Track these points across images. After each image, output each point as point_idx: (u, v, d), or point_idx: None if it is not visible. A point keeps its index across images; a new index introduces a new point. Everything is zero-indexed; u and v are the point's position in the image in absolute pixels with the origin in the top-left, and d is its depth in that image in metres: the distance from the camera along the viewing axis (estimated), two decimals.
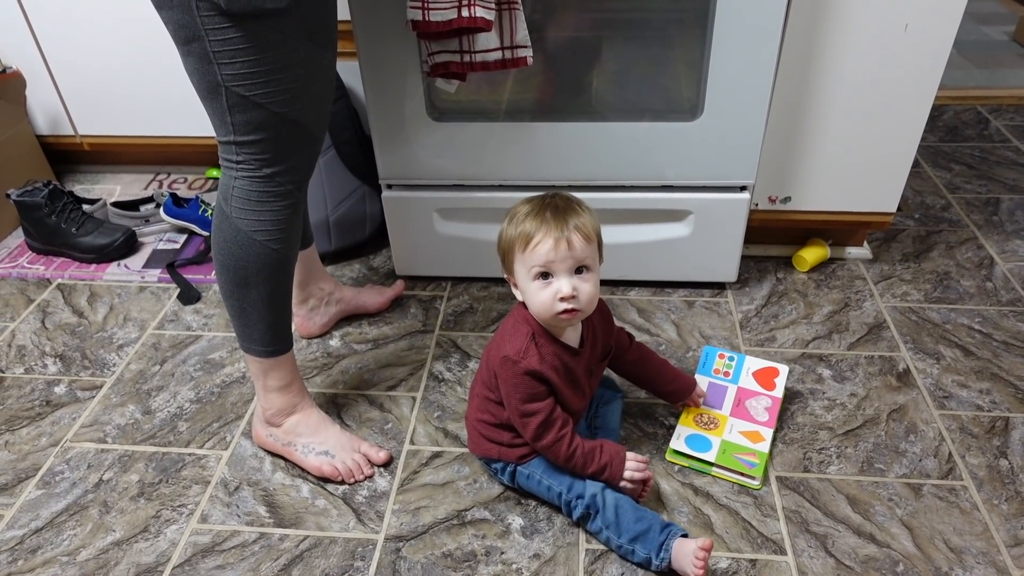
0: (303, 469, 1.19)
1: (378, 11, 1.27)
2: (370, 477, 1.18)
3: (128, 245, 1.71)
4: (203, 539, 1.10)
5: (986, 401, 1.29)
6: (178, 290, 1.61)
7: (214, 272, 1.28)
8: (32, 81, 1.85)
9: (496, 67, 1.18)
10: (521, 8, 1.15)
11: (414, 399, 1.33)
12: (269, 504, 1.15)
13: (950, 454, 1.20)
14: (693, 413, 1.24)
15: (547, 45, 1.37)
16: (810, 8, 1.30)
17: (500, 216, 1.08)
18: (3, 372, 1.42)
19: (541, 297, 0.99)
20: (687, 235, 1.48)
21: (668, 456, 1.20)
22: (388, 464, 1.21)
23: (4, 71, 1.81)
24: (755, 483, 1.15)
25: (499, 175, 1.45)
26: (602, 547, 1.07)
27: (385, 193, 1.51)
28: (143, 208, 1.81)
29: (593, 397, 1.21)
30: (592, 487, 1.06)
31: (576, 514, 1.07)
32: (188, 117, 1.81)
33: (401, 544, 1.09)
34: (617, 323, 1.19)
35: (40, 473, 1.21)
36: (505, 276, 1.06)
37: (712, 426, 1.22)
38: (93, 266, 1.69)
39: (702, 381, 1.27)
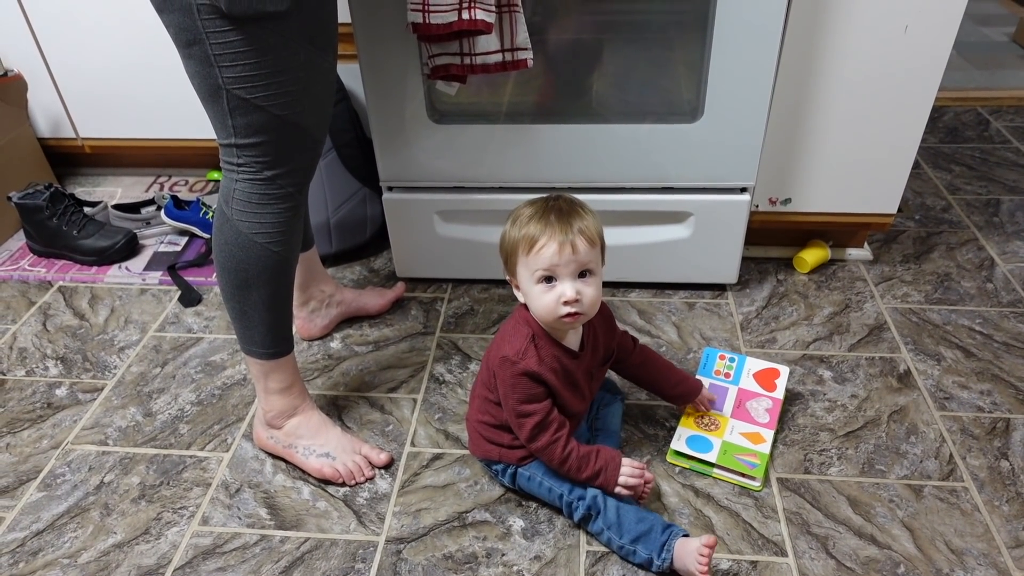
0: (304, 471, 1.20)
1: (379, 14, 1.27)
2: (371, 479, 1.19)
3: (129, 247, 1.72)
4: (204, 541, 1.10)
5: (987, 402, 1.29)
6: (179, 292, 1.61)
7: (215, 274, 1.28)
8: (33, 84, 1.86)
9: (496, 69, 1.18)
10: (521, 10, 1.16)
11: (415, 401, 1.33)
12: (270, 506, 1.15)
13: (951, 455, 1.20)
14: (694, 414, 1.24)
15: (547, 47, 1.37)
16: (810, 10, 1.30)
17: (501, 218, 1.08)
18: (4, 375, 1.42)
19: (544, 301, 0.99)
20: (688, 237, 1.49)
21: (669, 458, 1.20)
22: (389, 466, 1.21)
23: (5, 74, 1.81)
24: (756, 484, 1.15)
25: (499, 177, 1.45)
26: (603, 549, 1.07)
27: (386, 195, 1.51)
28: (144, 210, 1.82)
29: (594, 399, 1.21)
30: (593, 488, 1.06)
31: (577, 515, 1.07)
32: (189, 119, 1.82)
33: (402, 546, 1.09)
34: (620, 326, 1.19)
35: (41, 475, 1.21)
36: (507, 278, 1.06)
37: (713, 427, 1.22)
38: (94, 268, 1.69)
39: (703, 383, 1.27)
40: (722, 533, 1.09)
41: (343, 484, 1.18)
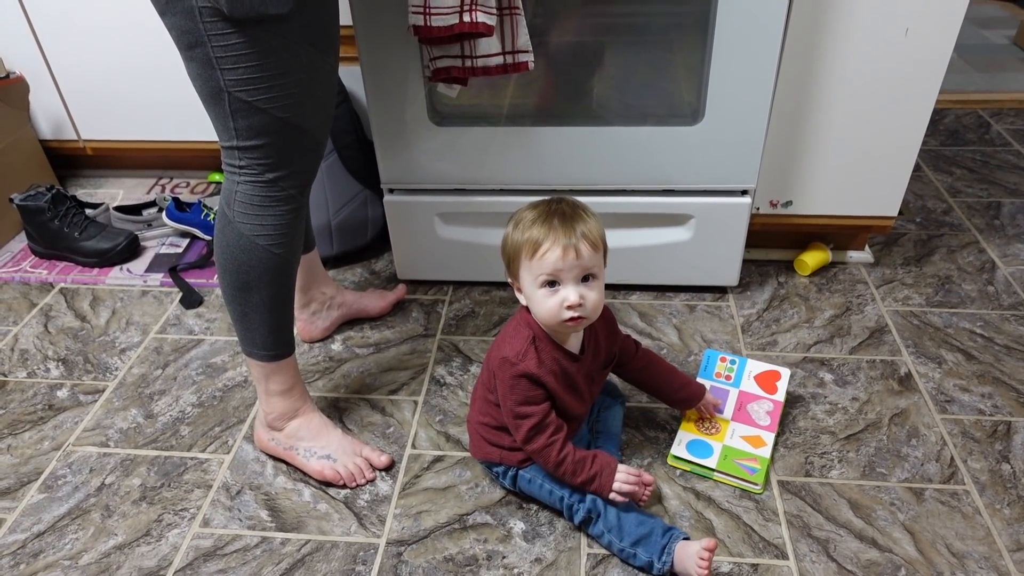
0: (305, 473, 1.20)
1: (380, 16, 1.27)
2: (372, 481, 1.19)
3: (130, 249, 1.72)
4: (205, 543, 1.10)
5: (988, 405, 1.29)
6: (180, 294, 1.61)
7: (216, 276, 1.28)
8: (35, 86, 1.86)
9: (497, 72, 1.19)
10: (522, 13, 1.16)
11: (416, 403, 1.33)
12: (271, 508, 1.15)
13: (952, 458, 1.20)
14: (695, 418, 1.24)
15: (548, 50, 1.38)
16: (811, 13, 1.30)
17: (502, 220, 1.08)
18: (6, 376, 1.42)
19: (548, 305, 0.99)
20: (688, 239, 1.49)
21: (670, 461, 1.20)
22: (390, 468, 1.21)
23: (7, 76, 1.81)
24: (757, 488, 1.15)
25: (500, 179, 1.45)
26: (604, 551, 1.07)
27: (387, 197, 1.51)
28: (145, 212, 1.82)
29: (595, 402, 1.21)
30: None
31: (578, 518, 1.07)
32: (190, 121, 1.82)
33: (403, 548, 1.09)
34: (622, 329, 1.19)
35: (42, 477, 1.21)
36: (509, 280, 1.06)
37: (714, 431, 1.22)
38: (95, 270, 1.70)
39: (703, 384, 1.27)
40: (723, 536, 1.09)
41: (344, 486, 1.18)
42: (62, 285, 1.67)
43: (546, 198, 1.03)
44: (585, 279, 0.99)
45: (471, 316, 1.54)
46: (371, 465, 1.20)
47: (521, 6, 1.15)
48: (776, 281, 1.61)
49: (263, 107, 0.94)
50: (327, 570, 1.06)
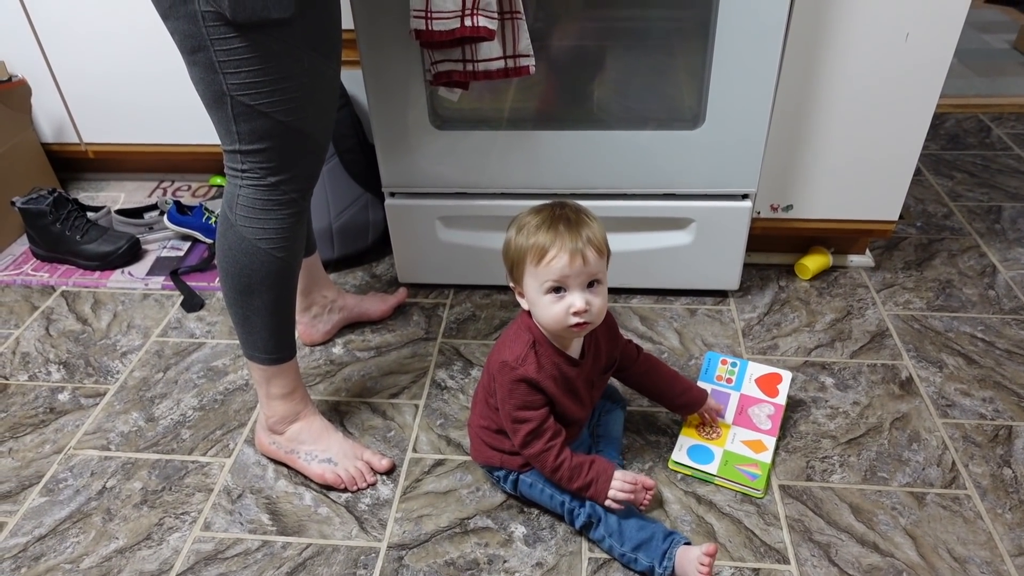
0: (306, 477, 1.20)
1: (381, 20, 1.28)
2: (373, 485, 1.18)
3: (132, 252, 1.72)
4: (206, 547, 1.10)
5: (989, 410, 1.29)
6: (182, 297, 1.61)
7: (218, 279, 1.28)
8: (37, 89, 1.86)
9: (498, 76, 1.19)
10: (524, 17, 1.16)
11: (417, 407, 1.33)
12: (272, 512, 1.15)
13: (953, 463, 1.20)
14: (696, 422, 1.24)
15: (549, 54, 1.38)
16: (811, 17, 1.30)
17: (503, 224, 1.08)
18: (7, 379, 1.42)
19: (553, 311, 0.99)
20: (689, 243, 1.49)
21: (670, 466, 1.20)
22: (391, 472, 1.21)
23: (9, 79, 1.82)
24: (758, 492, 1.14)
25: (502, 183, 1.46)
26: (605, 556, 1.07)
27: (388, 201, 1.51)
28: (147, 215, 1.82)
29: (595, 407, 1.21)
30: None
31: (579, 522, 1.07)
32: (192, 125, 1.82)
33: (404, 552, 1.08)
34: (623, 334, 1.19)
35: (44, 480, 1.21)
36: (510, 285, 1.06)
37: (714, 435, 1.22)
38: (97, 273, 1.70)
39: (705, 389, 1.27)
40: (724, 540, 1.09)
41: (345, 490, 1.17)
42: (63, 288, 1.67)
43: (548, 202, 1.03)
44: (590, 284, 0.99)
45: (472, 320, 1.54)
46: (372, 469, 1.20)
47: (522, 10, 1.15)
48: (777, 285, 1.61)
49: (265, 111, 0.94)
50: (328, 574, 1.06)
